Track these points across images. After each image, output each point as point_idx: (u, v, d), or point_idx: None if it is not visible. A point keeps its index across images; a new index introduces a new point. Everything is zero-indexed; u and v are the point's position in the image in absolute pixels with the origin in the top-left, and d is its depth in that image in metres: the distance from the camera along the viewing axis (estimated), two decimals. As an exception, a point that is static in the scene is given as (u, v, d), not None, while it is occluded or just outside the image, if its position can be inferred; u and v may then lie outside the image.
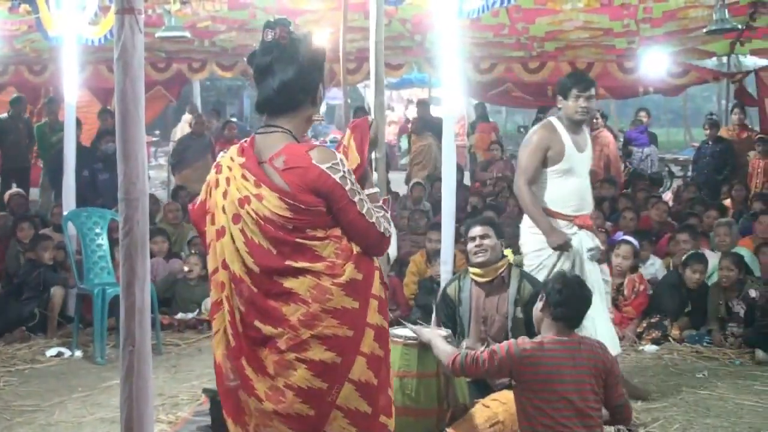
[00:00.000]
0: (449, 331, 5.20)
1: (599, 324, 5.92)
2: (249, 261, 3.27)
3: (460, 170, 11.47)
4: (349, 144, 3.61)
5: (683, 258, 8.69)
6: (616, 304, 8.49)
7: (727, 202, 11.57)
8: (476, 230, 5.88)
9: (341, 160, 3.32)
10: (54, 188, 12.58)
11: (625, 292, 8.52)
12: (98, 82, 15.39)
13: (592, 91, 6.09)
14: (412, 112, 20.15)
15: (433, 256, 8.81)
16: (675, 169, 20.58)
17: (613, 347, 5.83)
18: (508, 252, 6.00)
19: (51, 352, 7.86)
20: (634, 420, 5.84)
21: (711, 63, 16.94)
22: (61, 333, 8.45)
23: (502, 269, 5.84)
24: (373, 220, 3.34)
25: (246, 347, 3.32)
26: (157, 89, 15.90)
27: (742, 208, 11.59)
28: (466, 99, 19.51)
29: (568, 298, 4.25)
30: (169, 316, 8.86)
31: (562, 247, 6.03)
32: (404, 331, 5.13)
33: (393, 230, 3.49)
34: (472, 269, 5.90)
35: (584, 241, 6.13)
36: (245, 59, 3.66)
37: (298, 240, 3.25)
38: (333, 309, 3.25)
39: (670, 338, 8.14)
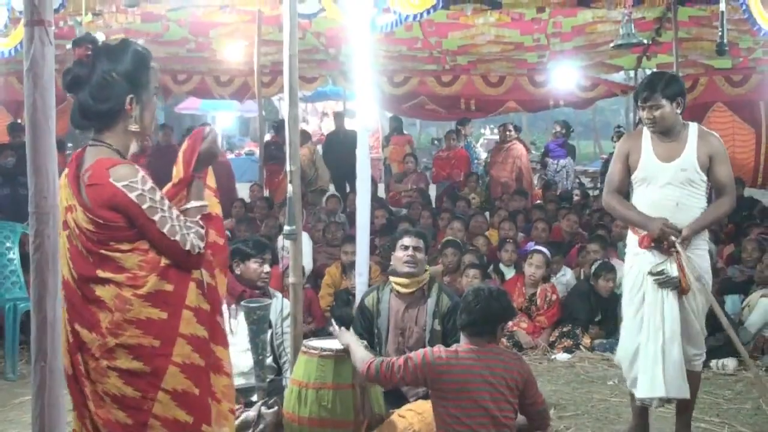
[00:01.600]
0: (365, 343, 5.21)
1: (645, 362, 5.47)
2: (71, 266, 3.38)
3: (374, 183, 11.54)
4: (181, 154, 3.62)
5: (594, 268, 8.84)
6: (529, 313, 8.63)
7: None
8: (410, 240, 5.92)
9: (142, 177, 3.34)
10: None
11: (538, 302, 8.65)
12: (8, 95, 15.11)
13: (655, 101, 5.49)
14: (328, 125, 20.14)
15: (349, 268, 8.85)
16: (585, 180, 20.92)
17: (680, 391, 5.43)
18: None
19: (-40, 369, 7.70)
20: (547, 427, 5.95)
21: (619, 77, 17.36)
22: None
23: (424, 282, 5.90)
24: (177, 237, 3.35)
25: (77, 346, 3.39)
26: (68, 102, 15.61)
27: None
28: (381, 112, 19.60)
29: (474, 309, 4.31)
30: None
31: (660, 233, 5.40)
32: (320, 343, 5.14)
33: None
34: (395, 279, 5.93)
35: (648, 263, 5.53)
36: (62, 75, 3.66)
37: (102, 251, 3.33)
38: (135, 319, 3.31)
39: (581, 347, 8.28)
